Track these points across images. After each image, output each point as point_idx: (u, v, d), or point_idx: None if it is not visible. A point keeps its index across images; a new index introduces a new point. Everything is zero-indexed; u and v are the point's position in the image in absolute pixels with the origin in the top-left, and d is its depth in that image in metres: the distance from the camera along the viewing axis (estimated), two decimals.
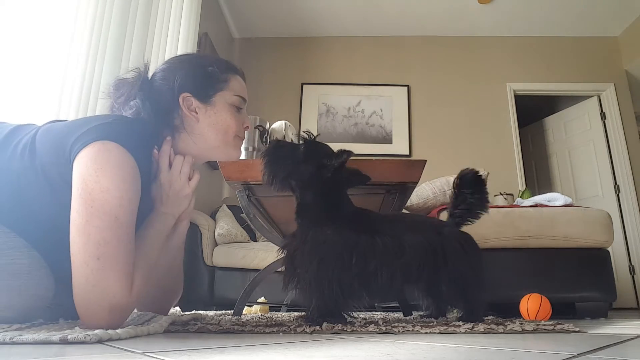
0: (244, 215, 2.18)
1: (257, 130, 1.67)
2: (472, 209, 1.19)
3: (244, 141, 1.65)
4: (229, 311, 1.91)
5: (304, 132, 1.11)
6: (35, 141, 0.85)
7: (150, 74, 1.00)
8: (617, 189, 4.00)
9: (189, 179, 0.97)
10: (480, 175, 1.21)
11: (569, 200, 1.98)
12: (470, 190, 1.19)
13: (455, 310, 1.25)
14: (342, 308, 0.99)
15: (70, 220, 0.76)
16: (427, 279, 1.09)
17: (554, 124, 4.63)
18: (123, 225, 0.77)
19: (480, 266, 1.11)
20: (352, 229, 1.02)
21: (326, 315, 0.95)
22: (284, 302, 2.48)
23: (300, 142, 1.11)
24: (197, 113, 0.96)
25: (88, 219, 0.75)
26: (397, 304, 1.74)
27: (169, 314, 1.07)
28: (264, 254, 2.69)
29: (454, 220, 1.19)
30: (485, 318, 1.16)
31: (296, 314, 1.82)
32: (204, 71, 0.99)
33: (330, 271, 0.96)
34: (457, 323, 0.95)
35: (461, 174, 1.23)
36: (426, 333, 0.84)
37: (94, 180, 0.76)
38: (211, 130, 0.98)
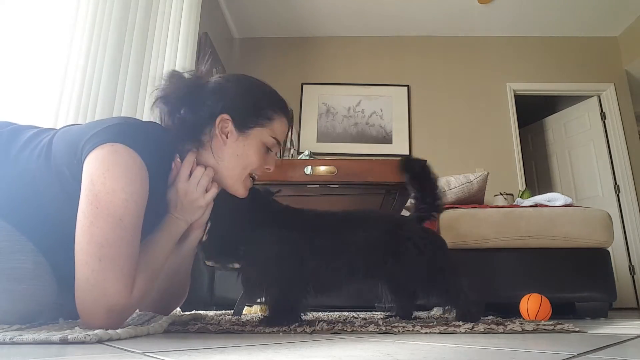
0: None
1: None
2: (425, 201, 1.14)
3: None
4: (229, 311, 1.90)
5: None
6: (52, 143, 0.85)
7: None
8: (617, 189, 4.00)
9: (206, 191, 0.95)
10: (425, 164, 1.16)
11: (569, 200, 1.98)
12: (418, 182, 1.15)
13: (442, 310, 1.26)
14: (296, 307, 0.98)
15: (77, 220, 0.77)
16: (377, 276, 1.08)
17: (554, 124, 4.63)
18: (127, 228, 0.77)
19: (442, 262, 1.08)
20: (287, 229, 1.02)
21: (283, 316, 0.95)
22: None
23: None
24: (227, 137, 0.94)
25: (92, 220, 0.75)
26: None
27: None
28: None
29: (416, 215, 1.15)
30: (485, 318, 1.16)
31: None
32: (253, 101, 0.98)
33: (277, 271, 0.97)
34: (457, 323, 0.95)
35: (404, 166, 1.17)
36: (426, 333, 0.84)
37: (101, 181, 0.77)
38: (232, 160, 0.95)
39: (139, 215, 0.80)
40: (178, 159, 0.94)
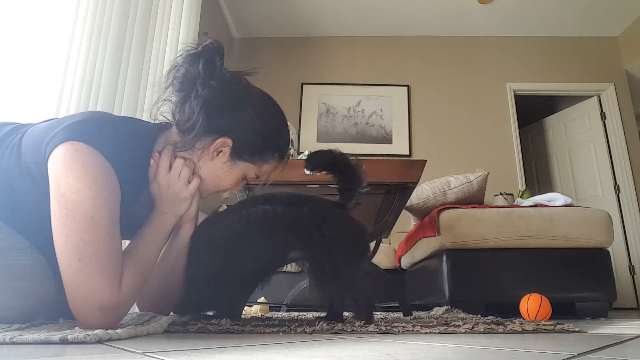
0: None
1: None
2: (342, 188, 1.08)
3: None
4: None
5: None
6: (21, 142, 0.85)
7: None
8: (617, 189, 4.00)
9: (189, 182, 0.95)
10: (336, 153, 1.09)
11: (569, 200, 1.98)
12: (335, 172, 1.10)
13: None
14: (231, 302, 0.98)
15: (51, 223, 0.76)
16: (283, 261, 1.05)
17: (554, 124, 4.63)
18: (101, 225, 0.76)
19: (345, 254, 0.98)
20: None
21: (224, 313, 0.95)
22: (284, 302, 2.48)
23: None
24: (217, 156, 0.93)
25: (64, 221, 0.75)
26: (397, 304, 1.74)
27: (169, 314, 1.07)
28: None
29: (341, 200, 1.09)
30: (485, 318, 1.16)
31: (296, 313, 1.82)
32: (261, 140, 0.95)
33: (211, 267, 0.98)
34: (457, 323, 0.95)
35: (309, 164, 1.10)
36: (426, 333, 0.84)
37: (65, 182, 0.76)
38: (209, 177, 0.95)
39: (112, 212, 0.79)
40: (157, 154, 0.93)
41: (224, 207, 3.17)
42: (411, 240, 2.31)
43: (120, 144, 0.84)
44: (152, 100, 0.96)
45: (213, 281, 0.98)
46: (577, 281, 1.80)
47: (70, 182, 0.76)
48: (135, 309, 1.05)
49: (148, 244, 0.89)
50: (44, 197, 0.80)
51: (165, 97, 0.93)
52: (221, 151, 0.93)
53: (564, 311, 1.85)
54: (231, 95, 0.92)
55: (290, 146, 1.68)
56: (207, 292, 1.00)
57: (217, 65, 0.90)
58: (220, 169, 0.95)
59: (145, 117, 1.02)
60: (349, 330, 0.85)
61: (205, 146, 0.92)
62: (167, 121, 0.96)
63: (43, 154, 0.80)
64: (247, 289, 1.07)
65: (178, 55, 0.92)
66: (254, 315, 1.58)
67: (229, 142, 0.92)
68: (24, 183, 0.84)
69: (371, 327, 0.88)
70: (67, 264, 0.74)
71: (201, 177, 0.95)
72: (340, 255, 0.97)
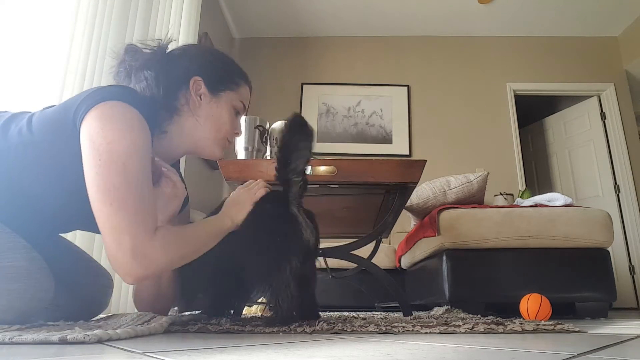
0: None
1: (257, 130, 1.67)
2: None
3: (244, 141, 1.65)
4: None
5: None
6: (32, 122, 0.86)
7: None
8: (617, 189, 4.00)
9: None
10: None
11: (569, 200, 1.98)
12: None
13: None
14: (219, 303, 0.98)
15: (85, 179, 0.78)
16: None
17: (554, 124, 4.63)
18: (133, 172, 0.78)
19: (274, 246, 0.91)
20: None
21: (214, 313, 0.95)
22: None
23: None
24: (201, 99, 0.98)
25: (97, 170, 0.76)
26: (397, 304, 1.74)
27: (169, 314, 1.07)
28: None
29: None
30: (486, 318, 1.16)
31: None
32: (223, 67, 1.03)
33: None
34: (457, 323, 0.95)
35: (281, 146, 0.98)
36: (426, 333, 0.84)
37: (101, 136, 0.78)
38: (208, 121, 1.00)
39: (144, 162, 0.81)
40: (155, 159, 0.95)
41: None
42: (411, 240, 2.31)
43: (141, 102, 0.87)
44: (115, 75, 0.99)
45: (197, 279, 0.99)
46: (577, 281, 1.80)
47: (106, 135, 0.78)
48: (135, 309, 1.05)
49: (196, 226, 0.90)
50: (59, 174, 0.81)
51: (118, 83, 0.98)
52: (201, 93, 0.98)
53: (564, 311, 1.85)
54: (177, 50, 1.00)
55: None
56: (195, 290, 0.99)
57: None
58: (210, 109, 0.99)
59: None
60: (349, 330, 0.85)
61: (187, 98, 0.97)
62: None
63: (72, 123, 0.81)
64: (230, 289, 1.04)
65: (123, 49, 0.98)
66: (254, 315, 1.58)
67: (199, 78, 0.98)
68: (34, 160, 0.84)
69: (371, 327, 0.88)
70: (100, 210, 0.76)
71: (202, 130, 0.99)
72: (256, 253, 0.92)
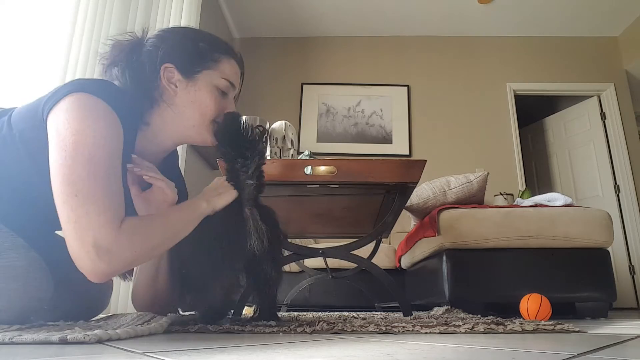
0: None
1: (257, 130, 1.67)
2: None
3: None
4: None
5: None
6: (11, 116, 0.85)
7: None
8: (617, 189, 4.00)
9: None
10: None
11: (569, 200, 1.98)
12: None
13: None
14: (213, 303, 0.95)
15: (50, 171, 0.75)
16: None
17: (554, 124, 4.63)
18: (100, 164, 0.75)
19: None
20: None
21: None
22: (284, 302, 2.48)
23: None
24: (176, 87, 0.92)
25: (62, 161, 0.74)
26: (397, 304, 1.74)
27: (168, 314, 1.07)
28: None
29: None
30: (485, 318, 1.16)
31: (296, 313, 1.82)
32: (194, 45, 0.95)
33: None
34: (457, 323, 0.95)
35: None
36: (426, 333, 0.84)
37: (66, 127, 0.76)
38: (188, 108, 0.93)
39: (113, 153, 0.78)
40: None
41: None
42: (411, 240, 2.31)
43: (117, 99, 0.84)
44: (100, 71, 0.97)
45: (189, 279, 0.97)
46: (577, 281, 1.80)
47: (71, 126, 0.75)
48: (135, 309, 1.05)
49: (168, 213, 0.86)
50: (39, 169, 0.78)
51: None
52: (175, 80, 0.92)
53: (564, 311, 1.85)
54: (150, 40, 0.94)
55: (291, 146, 1.67)
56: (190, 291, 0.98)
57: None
58: (188, 95, 0.93)
59: None
60: (349, 330, 0.85)
61: (162, 88, 0.92)
62: None
63: (41, 113, 0.80)
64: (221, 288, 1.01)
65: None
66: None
67: (169, 65, 0.91)
68: (17, 159, 0.83)
69: (371, 327, 0.88)
70: (64, 202, 0.73)
71: (185, 118, 0.93)
72: (199, 256, 0.91)
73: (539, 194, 2.30)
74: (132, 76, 0.91)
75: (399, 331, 0.85)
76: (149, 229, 0.79)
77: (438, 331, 0.85)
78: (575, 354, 0.54)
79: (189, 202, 0.90)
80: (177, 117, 0.93)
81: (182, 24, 2.63)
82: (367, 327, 0.88)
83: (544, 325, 0.92)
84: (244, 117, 1.04)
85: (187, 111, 0.93)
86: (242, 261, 0.90)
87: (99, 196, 0.73)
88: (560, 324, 0.94)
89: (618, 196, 3.98)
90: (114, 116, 0.80)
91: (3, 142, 0.83)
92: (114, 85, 0.90)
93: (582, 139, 4.34)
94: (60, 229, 1.04)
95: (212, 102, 0.94)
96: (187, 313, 1.21)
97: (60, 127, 0.76)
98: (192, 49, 0.94)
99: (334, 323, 0.93)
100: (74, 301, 1.03)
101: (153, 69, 0.91)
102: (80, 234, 0.71)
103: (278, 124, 1.69)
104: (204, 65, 0.94)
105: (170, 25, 2.49)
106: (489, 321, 1.01)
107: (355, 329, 0.86)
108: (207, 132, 0.96)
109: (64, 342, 0.61)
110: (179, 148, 1.32)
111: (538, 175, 4.76)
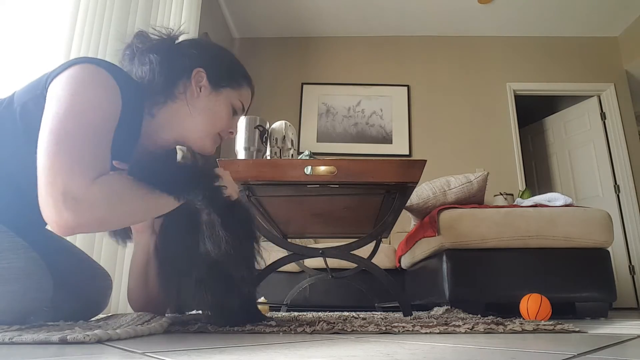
0: None
1: (257, 130, 1.67)
2: None
3: (244, 141, 1.65)
4: None
5: None
6: (15, 93, 0.86)
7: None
8: (617, 189, 4.00)
9: None
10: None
11: (569, 200, 1.98)
12: None
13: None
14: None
15: (41, 128, 0.74)
16: None
17: (554, 124, 4.63)
18: (90, 124, 0.74)
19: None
20: None
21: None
22: (284, 302, 2.48)
23: None
24: (200, 91, 0.97)
25: (54, 117, 0.73)
26: (397, 304, 1.74)
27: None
28: (264, 253, 2.68)
29: None
30: (485, 318, 1.16)
31: (296, 313, 1.82)
32: (228, 63, 1.02)
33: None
34: (457, 323, 0.95)
35: None
36: (426, 333, 0.84)
37: (66, 89, 0.76)
38: (204, 114, 0.97)
39: (107, 119, 0.78)
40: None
41: None
42: (411, 240, 2.31)
43: (121, 73, 0.85)
44: (122, 56, 0.99)
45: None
46: (577, 281, 1.80)
47: (71, 88, 0.76)
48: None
49: (151, 191, 0.81)
50: (35, 149, 0.74)
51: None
52: (202, 85, 0.96)
53: (564, 311, 1.85)
54: (184, 42, 0.99)
55: (291, 146, 1.67)
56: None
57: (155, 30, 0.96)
58: (209, 102, 0.97)
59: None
60: (349, 330, 0.85)
61: (187, 87, 0.95)
62: None
63: (44, 82, 0.80)
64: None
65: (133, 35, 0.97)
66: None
67: (202, 70, 0.96)
68: (13, 136, 0.82)
69: (371, 327, 0.88)
70: (44, 149, 0.71)
71: (198, 122, 0.96)
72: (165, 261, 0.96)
73: (539, 194, 2.30)
74: (159, 69, 0.92)
75: (399, 331, 0.86)
76: (129, 192, 0.76)
77: (438, 331, 0.85)
78: (575, 354, 0.54)
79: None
80: (188, 117, 0.96)
81: (182, 24, 2.63)
82: (367, 327, 0.88)
83: (544, 325, 0.92)
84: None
85: (202, 116, 0.97)
86: (204, 266, 0.89)
87: (79, 147, 0.72)
88: (560, 324, 0.94)
89: (618, 196, 3.98)
90: (116, 88, 0.81)
91: (1, 118, 0.83)
92: (122, 70, 0.91)
93: (582, 139, 4.34)
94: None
95: (225, 116, 1.00)
96: (193, 312, 1.21)
97: (59, 90, 0.76)
98: (226, 66, 1.01)
99: (334, 323, 0.93)
100: (74, 301, 1.03)
101: (185, 68, 0.96)
102: (52, 179, 0.69)
103: (278, 124, 1.69)
104: (230, 84, 1.00)
105: (170, 25, 2.49)
106: (489, 321, 1.01)
107: (355, 329, 0.86)
108: (210, 141, 1.00)
109: (64, 342, 0.61)
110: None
111: (538, 175, 4.76)
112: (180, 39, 1.00)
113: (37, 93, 0.80)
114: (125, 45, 0.97)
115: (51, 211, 0.69)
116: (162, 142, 0.98)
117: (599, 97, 4.24)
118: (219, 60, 1.01)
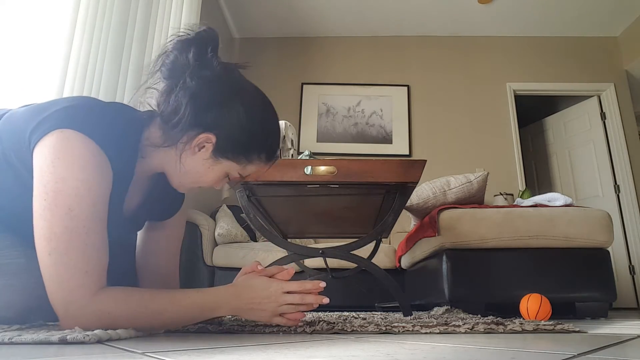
0: (243, 215, 2.18)
1: None
2: None
3: None
4: None
5: None
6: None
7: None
8: (617, 189, 4.00)
9: None
10: None
11: (569, 200, 1.98)
12: None
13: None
14: None
15: (33, 213, 0.73)
16: None
17: (554, 124, 4.63)
18: (79, 218, 0.71)
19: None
20: None
21: None
22: None
23: None
24: (198, 151, 0.84)
25: (41, 212, 0.71)
26: (397, 304, 1.74)
27: None
28: (264, 254, 2.69)
29: None
30: (485, 318, 1.16)
31: None
32: (248, 141, 0.85)
33: None
34: (457, 323, 0.95)
35: None
36: (426, 333, 0.84)
37: (50, 171, 0.71)
38: (189, 172, 0.87)
39: (97, 204, 0.74)
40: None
41: (224, 207, 3.16)
42: (411, 240, 2.31)
43: (111, 131, 0.78)
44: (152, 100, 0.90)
45: None
46: (577, 281, 1.80)
47: (55, 171, 0.71)
48: None
49: (164, 298, 0.78)
50: (27, 190, 0.74)
51: (150, 85, 0.85)
52: (204, 147, 0.84)
53: (564, 311, 1.85)
54: (221, 89, 0.83)
55: (291, 146, 1.67)
56: None
57: (209, 56, 0.81)
58: (201, 165, 0.86)
59: (127, 102, 0.96)
60: (349, 330, 0.85)
61: (188, 140, 0.82)
62: (151, 109, 0.88)
63: (27, 142, 0.75)
64: None
65: (169, 40, 0.83)
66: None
67: (213, 138, 0.82)
68: (4, 175, 0.80)
69: (371, 327, 0.88)
70: (41, 257, 0.71)
71: (181, 173, 0.87)
72: None
73: (539, 194, 2.30)
74: (184, 123, 0.81)
75: (399, 331, 0.86)
76: (131, 308, 0.74)
77: (438, 331, 0.85)
78: (575, 354, 0.54)
79: (202, 296, 0.80)
80: (173, 165, 0.87)
81: (182, 24, 2.63)
82: (367, 327, 0.88)
83: (544, 325, 0.92)
84: None
85: (187, 174, 0.88)
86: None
87: (73, 257, 0.70)
88: (560, 324, 0.94)
89: (618, 196, 3.98)
90: (103, 159, 0.75)
91: None
92: (113, 111, 0.84)
93: (582, 139, 4.34)
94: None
95: (212, 182, 0.90)
96: None
97: (44, 168, 0.72)
98: (243, 144, 0.85)
99: (334, 323, 0.93)
100: None
101: (202, 127, 0.82)
102: (54, 292, 0.70)
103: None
104: (235, 158, 0.86)
105: (170, 25, 2.49)
106: (489, 321, 1.01)
107: (355, 329, 0.86)
108: (185, 189, 0.93)
109: (63, 342, 0.61)
110: None
111: (538, 175, 4.76)
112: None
113: (22, 148, 0.75)
114: (163, 52, 0.83)
115: (58, 312, 0.71)
116: (145, 172, 0.92)
117: (599, 97, 4.24)
118: (239, 136, 0.84)
